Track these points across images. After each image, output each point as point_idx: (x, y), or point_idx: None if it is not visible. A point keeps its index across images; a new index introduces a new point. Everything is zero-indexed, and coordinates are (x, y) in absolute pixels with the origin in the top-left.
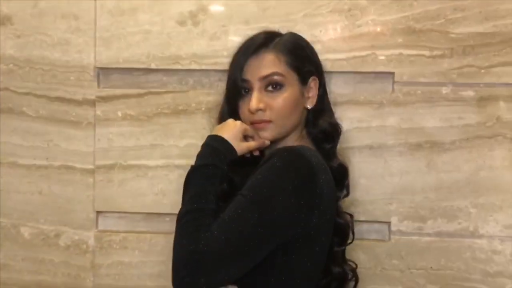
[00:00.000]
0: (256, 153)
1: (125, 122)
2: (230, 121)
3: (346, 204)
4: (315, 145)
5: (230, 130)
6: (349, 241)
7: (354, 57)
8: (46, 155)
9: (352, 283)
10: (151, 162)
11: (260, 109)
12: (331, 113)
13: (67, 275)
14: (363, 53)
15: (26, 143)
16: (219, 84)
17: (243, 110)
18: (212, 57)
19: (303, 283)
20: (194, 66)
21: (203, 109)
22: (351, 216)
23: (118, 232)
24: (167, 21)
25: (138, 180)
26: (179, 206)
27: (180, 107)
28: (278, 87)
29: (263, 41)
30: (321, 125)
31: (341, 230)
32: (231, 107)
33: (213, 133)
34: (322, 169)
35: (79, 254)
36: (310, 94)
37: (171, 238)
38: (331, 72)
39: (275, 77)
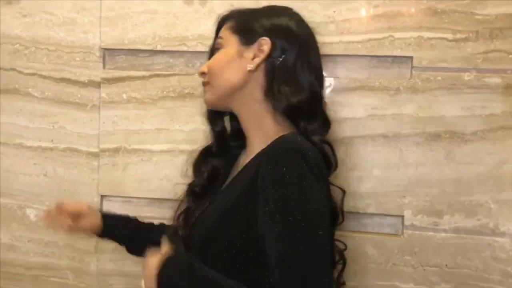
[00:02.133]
0: None
1: (130, 105)
2: None
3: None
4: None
5: None
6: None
7: (370, 39)
8: (52, 137)
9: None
10: (155, 147)
11: (203, 72)
12: (296, 87)
13: (72, 258)
14: (380, 35)
15: (31, 124)
16: None
17: None
18: None
19: (330, 267)
20: (200, 48)
21: None
22: (344, 191)
23: None
24: (173, 0)
25: (143, 164)
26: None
27: (186, 91)
28: (217, 50)
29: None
30: (281, 100)
31: (333, 209)
32: None
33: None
34: (319, 158)
35: (83, 238)
36: (258, 55)
37: None
38: (345, 56)
39: (217, 41)
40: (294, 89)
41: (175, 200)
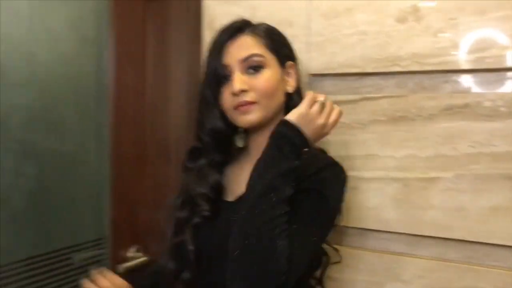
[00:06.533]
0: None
1: (338, 130)
2: None
3: None
4: None
5: None
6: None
7: None
8: None
9: None
10: (365, 174)
11: (244, 90)
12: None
13: None
14: None
15: None
16: (446, 87)
17: (225, 96)
18: (436, 56)
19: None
20: (414, 67)
21: (425, 115)
22: None
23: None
24: (385, 19)
25: (351, 192)
26: (396, 223)
27: (398, 114)
28: (258, 68)
29: (239, 26)
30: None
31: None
32: (213, 95)
33: None
34: None
35: None
36: (290, 78)
37: (387, 258)
38: None
39: (255, 58)
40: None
41: (386, 232)
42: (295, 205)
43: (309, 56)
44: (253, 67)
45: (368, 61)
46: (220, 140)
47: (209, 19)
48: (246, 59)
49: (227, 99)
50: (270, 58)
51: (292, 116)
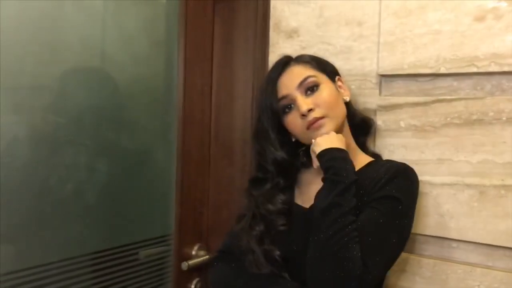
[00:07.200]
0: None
1: (408, 133)
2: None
3: None
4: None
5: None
6: None
7: None
8: None
9: None
10: (436, 179)
11: (310, 109)
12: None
13: None
14: None
15: None
16: None
17: (294, 123)
18: None
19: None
20: (493, 68)
21: (504, 118)
22: None
23: None
24: (461, 18)
25: (421, 198)
26: (470, 232)
27: (474, 117)
28: (315, 87)
29: (285, 60)
30: (359, 116)
31: None
32: (272, 127)
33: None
34: None
35: None
36: (342, 90)
37: (459, 268)
38: None
39: (310, 79)
40: (358, 111)
41: (458, 240)
42: (370, 213)
43: (379, 56)
44: (310, 88)
45: (441, 61)
46: (283, 168)
47: (276, 20)
48: (301, 82)
49: (297, 124)
50: (321, 76)
51: (316, 148)
